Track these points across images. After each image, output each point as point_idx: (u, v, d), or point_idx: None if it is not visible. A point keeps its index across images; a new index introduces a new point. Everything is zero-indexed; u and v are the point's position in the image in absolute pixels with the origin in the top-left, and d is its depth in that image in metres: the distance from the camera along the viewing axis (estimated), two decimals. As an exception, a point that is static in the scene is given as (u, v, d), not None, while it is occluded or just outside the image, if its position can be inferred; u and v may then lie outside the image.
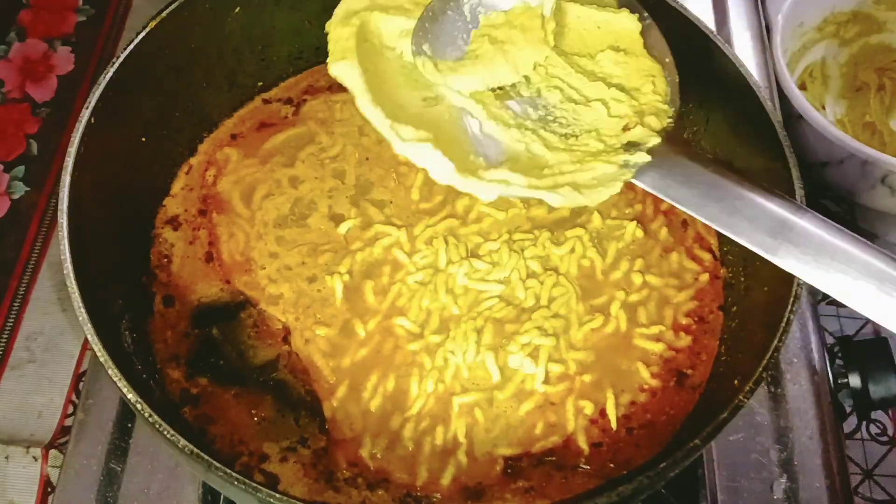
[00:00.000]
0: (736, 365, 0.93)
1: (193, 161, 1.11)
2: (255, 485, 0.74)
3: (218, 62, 1.11)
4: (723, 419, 0.78)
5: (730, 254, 1.05)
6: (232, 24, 1.09)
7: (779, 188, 0.90)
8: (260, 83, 1.18)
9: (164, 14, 0.99)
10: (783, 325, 0.82)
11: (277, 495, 0.74)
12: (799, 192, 0.89)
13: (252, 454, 0.91)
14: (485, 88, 0.83)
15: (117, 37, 1.78)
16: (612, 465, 0.90)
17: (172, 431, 0.76)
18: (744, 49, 1.43)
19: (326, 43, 1.19)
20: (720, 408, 0.79)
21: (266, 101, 1.18)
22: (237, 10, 1.09)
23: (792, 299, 0.83)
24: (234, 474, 0.74)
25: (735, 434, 1.08)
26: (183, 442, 0.75)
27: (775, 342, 0.82)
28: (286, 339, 0.98)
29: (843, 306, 1.62)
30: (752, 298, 0.98)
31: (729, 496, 1.05)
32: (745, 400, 0.79)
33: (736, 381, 0.87)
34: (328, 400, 0.94)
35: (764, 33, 1.47)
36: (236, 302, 1.01)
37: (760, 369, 0.81)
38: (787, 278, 0.85)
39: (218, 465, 0.74)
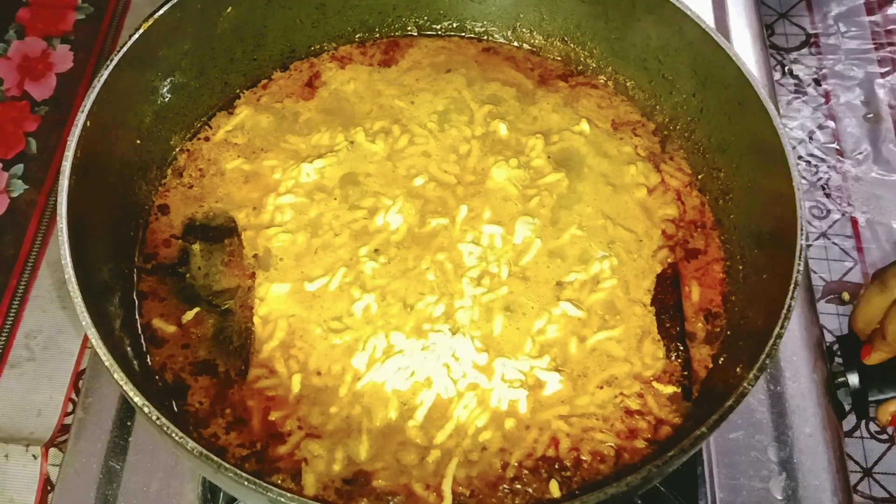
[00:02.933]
0: (738, 353, 0.93)
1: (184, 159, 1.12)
2: (265, 485, 0.74)
3: (211, 62, 1.11)
4: (728, 406, 0.78)
5: (728, 242, 1.05)
6: (224, 23, 1.10)
7: (776, 170, 0.91)
8: (252, 83, 1.18)
9: (156, 16, 0.99)
10: (784, 311, 0.82)
11: (288, 495, 0.74)
12: (796, 177, 0.90)
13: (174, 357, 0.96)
14: None
15: (116, 35, 1.78)
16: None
17: (181, 434, 0.76)
18: (744, 48, 1.43)
19: (319, 42, 1.21)
20: (724, 396, 0.80)
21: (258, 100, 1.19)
22: (229, 9, 1.09)
23: (792, 286, 0.84)
24: (244, 475, 0.74)
25: (734, 432, 1.09)
26: (192, 444, 0.75)
27: (777, 328, 0.82)
28: (253, 275, 1.00)
29: (843, 304, 1.63)
30: (752, 286, 0.98)
31: (728, 494, 1.05)
32: (750, 387, 0.79)
33: (738, 369, 0.87)
34: (259, 348, 0.96)
35: (763, 32, 1.47)
36: (227, 227, 1.04)
37: (764, 356, 0.81)
38: (787, 265, 0.85)
39: (227, 466, 0.74)
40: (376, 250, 1.01)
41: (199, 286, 1.00)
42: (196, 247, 1.03)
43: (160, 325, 0.97)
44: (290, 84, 1.18)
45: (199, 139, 1.12)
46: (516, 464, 0.89)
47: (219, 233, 1.04)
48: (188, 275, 1.01)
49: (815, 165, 1.85)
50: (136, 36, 0.98)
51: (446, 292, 0.98)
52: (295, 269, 1.01)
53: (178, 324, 0.98)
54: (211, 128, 1.13)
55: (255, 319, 0.97)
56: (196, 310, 0.98)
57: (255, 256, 1.02)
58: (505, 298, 0.98)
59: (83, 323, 0.80)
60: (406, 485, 0.88)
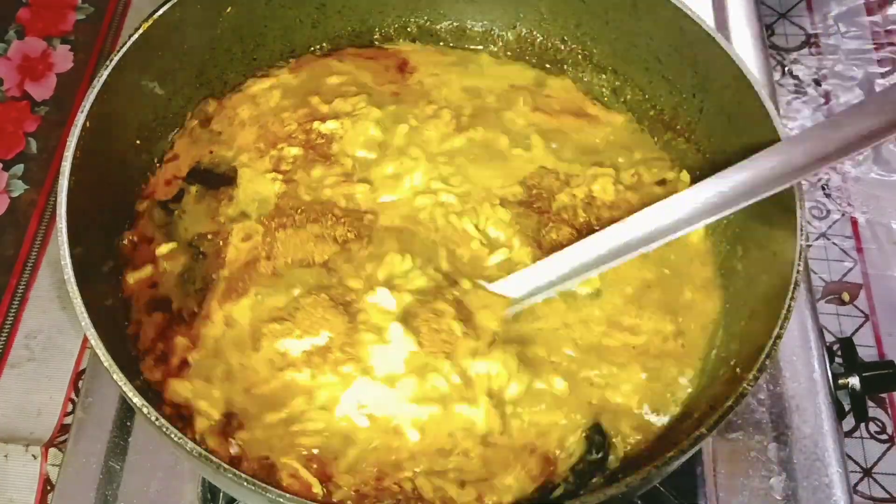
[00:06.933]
0: (738, 354, 0.93)
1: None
2: (265, 485, 0.74)
3: (210, 62, 1.11)
4: (728, 407, 0.78)
5: (726, 242, 1.05)
6: (223, 23, 1.10)
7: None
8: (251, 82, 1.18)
9: (155, 16, 0.99)
10: (784, 311, 0.82)
11: (287, 495, 0.74)
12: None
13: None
14: None
15: (116, 35, 1.78)
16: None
17: (180, 434, 0.76)
18: (744, 48, 1.43)
19: (319, 42, 1.20)
20: (723, 397, 0.80)
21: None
22: (229, 9, 1.09)
23: (792, 286, 0.84)
24: (243, 476, 0.74)
25: (734, 432, 1.09)
26: (191, 445, 0.75)
27: (777, 329, 0.82)
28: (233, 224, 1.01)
29: (843, 304, 1.63)
30: (751, 287, 0.98)
31: (728, 494, 1.05)
32: (750, 388, 0.79)
33: (738, 370, 0.87)
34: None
35: (763, 32, 1.47)
36: (228, 176, 1.06)
37: (763, 356, 0.81)
38: (786, 266, 0.85)
39: (227, 466, 0.74)
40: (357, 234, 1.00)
41: (183, 225, 1.02)
42: (193, 189, 1.05)
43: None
44: (375, 66, 1.18)
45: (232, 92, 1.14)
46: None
47: (218, 180, 1.06)
48: (177, 212, 1.03)
49: (815, 166, 1.85)
50: (136, 36, 0.98)
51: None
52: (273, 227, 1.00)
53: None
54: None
55: (222, 272, 0.98)
56: (173, 245, 1.00)
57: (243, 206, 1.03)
58: None
59: (83, 323, 0.80)
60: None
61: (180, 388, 0.90)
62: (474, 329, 0.92)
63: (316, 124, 1.08)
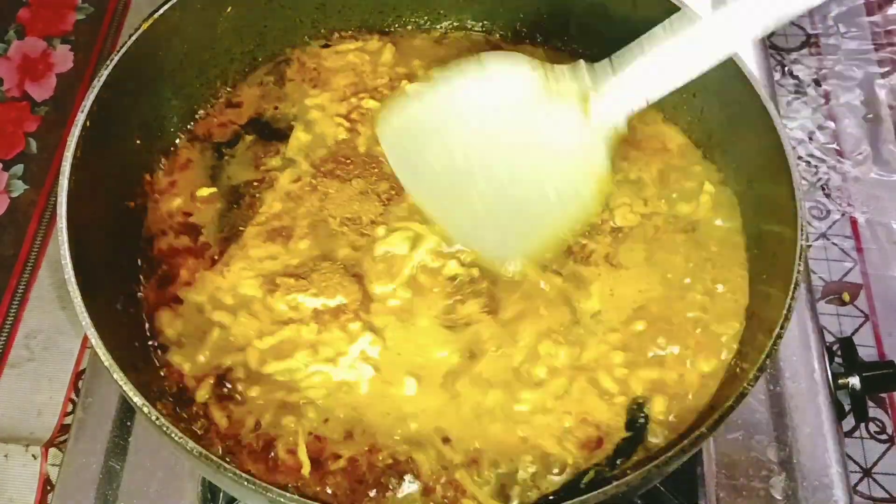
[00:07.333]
0: (738, 354, 0.93)
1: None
2: (265, 485, 0.74)
3: (210, 62, 1.11)
4: (728, 407, 0.78)
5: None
6: (224, 23, 1.10)
7: (776, 171, 0.91)
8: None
9: (155, 15, 0.99)
10: (784, 311, 0.82)
11: (287, 495, 0.74)
12: (796, 178, 0.89)
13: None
14: None
15: (116, 35, 1.78)
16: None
17: (180, 434, 0.76)
18: (744, 48, 1.43)
19: (319, 42, 1.20)
20: (724, 397, 0.80)
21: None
22: (229, 9, 1.09)
23: (792, 286, 0.84)
24: (243, 475, 0.74)
25: (734, 432, 1.09)
26: (191, 444, 0.75)
27: (777, 329, 0.82)
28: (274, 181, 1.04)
29: (843, 304, 1.63)
30: (752, 287, 0.98)
31: (728, 494, 1.05)
32: (750, 388, 0.79)
33: (738, 370, 0.87)
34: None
35: (763, 32, 1.47)
36: (285, 133, 1.09)
37: (764, 356, 0.81)
38: (787, 265, 0.85)
39: (227, 466, 0.74)
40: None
41: (227, 172, 1.05)
42: (249, 137, 1.08)
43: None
44: None
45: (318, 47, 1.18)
46: None
47: (273, 133, 1.09)
48: (226, 156, 1.07)
49: (815, 166, 1.85)
50: (136, 36, 0.98)
51: None
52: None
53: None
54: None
55: (254, 220, 1.00)
56: (213, 190, 1.03)
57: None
58: None
59: (83, 323, 0.80)
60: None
61: (167, 321, 0.94)
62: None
63: (403, 83, 1.12)
